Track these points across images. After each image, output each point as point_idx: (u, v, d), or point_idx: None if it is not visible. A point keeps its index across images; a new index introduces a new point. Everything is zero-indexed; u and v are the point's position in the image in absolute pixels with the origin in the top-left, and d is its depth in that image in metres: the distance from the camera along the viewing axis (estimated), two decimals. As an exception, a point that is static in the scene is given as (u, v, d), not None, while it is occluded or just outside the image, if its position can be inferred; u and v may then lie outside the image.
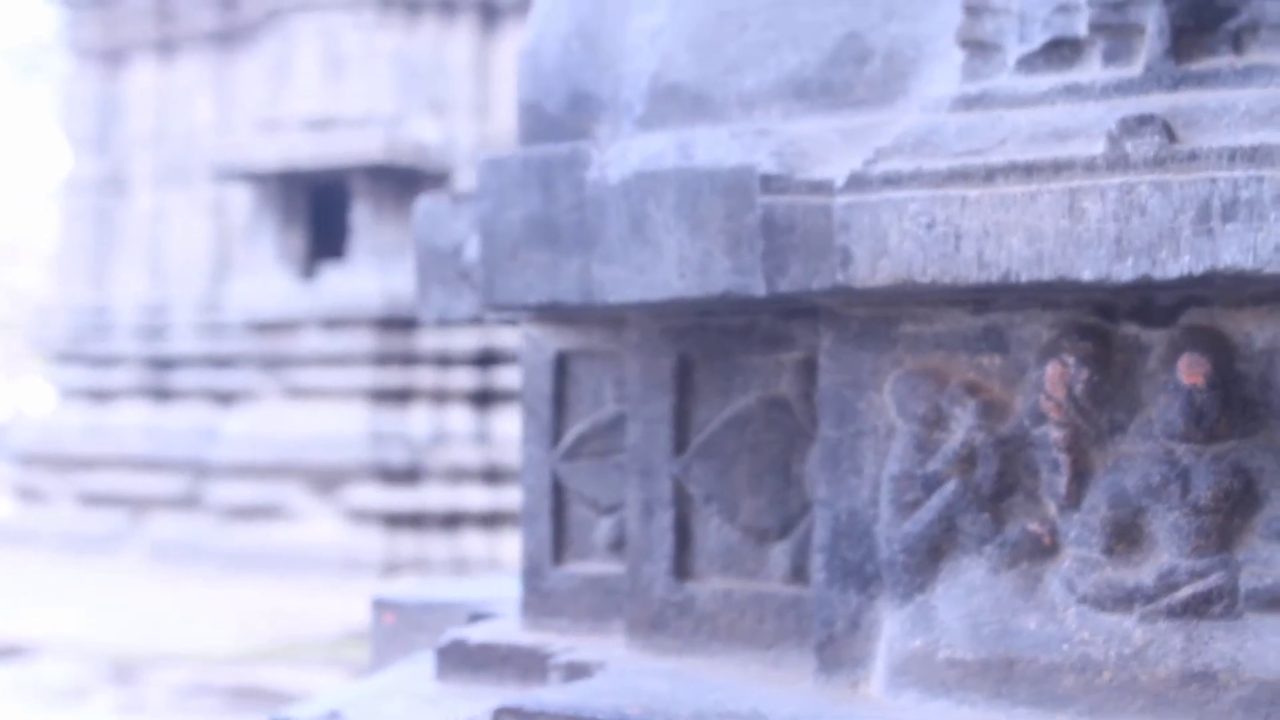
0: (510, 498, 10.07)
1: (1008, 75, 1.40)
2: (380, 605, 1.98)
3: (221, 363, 11.22)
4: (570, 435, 1.73)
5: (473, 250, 1.69)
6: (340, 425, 10.24)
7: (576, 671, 1.55)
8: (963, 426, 1.39)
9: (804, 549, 1.54)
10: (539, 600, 1.73)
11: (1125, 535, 1.33)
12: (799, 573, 1.55)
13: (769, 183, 1.40)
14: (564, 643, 1.65)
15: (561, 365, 1.74)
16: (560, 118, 1.66)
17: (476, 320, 1.84)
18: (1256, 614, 1.28)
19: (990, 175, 1.31)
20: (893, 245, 1.33)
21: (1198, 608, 1.30)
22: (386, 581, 9.43)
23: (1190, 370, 1.30)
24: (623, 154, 1.50)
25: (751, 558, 1.58)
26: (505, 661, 1.65)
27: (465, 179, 10.45)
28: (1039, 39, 1.38)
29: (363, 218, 10.51)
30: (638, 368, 1.61)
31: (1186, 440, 1.31)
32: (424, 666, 1.74)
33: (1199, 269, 1.23)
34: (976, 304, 1.39)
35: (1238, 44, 1.33)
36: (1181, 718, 1.28)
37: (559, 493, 1.74)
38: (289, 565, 9.98)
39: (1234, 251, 1.22)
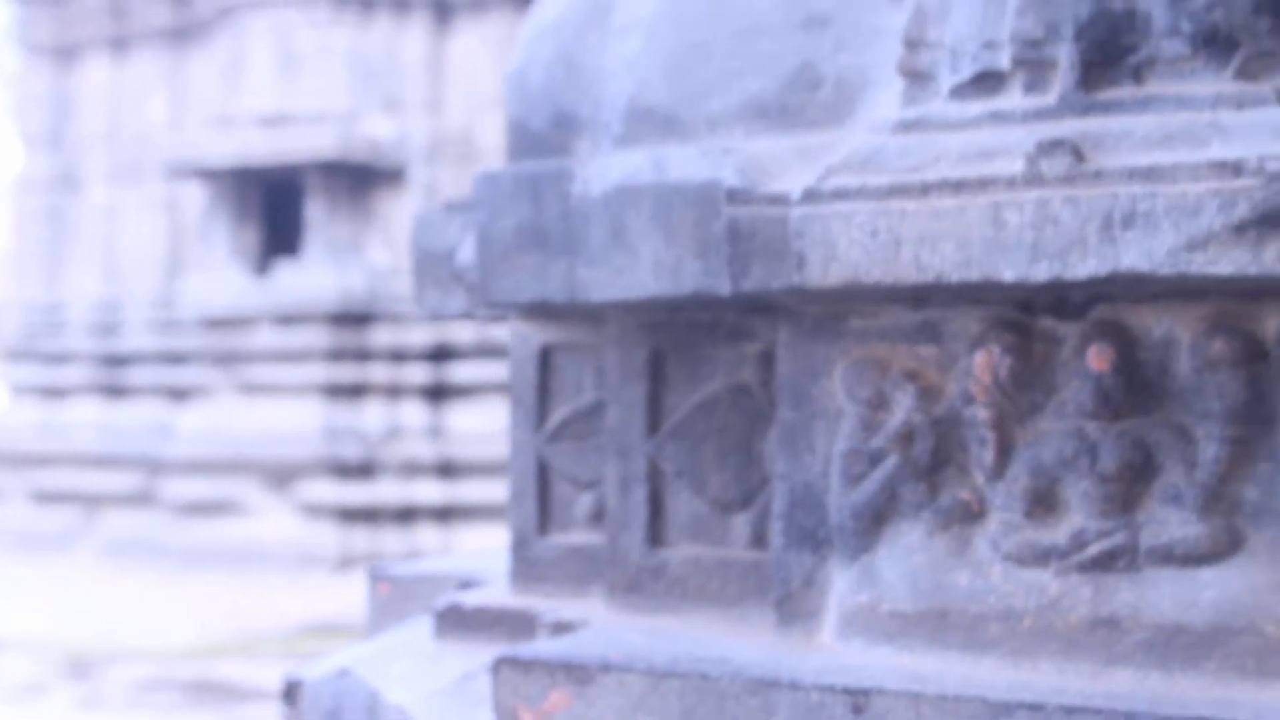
0: (464, 492, 10.09)
1: (941, 102, 1.50)
2: (376, 576, 2.08)
3: (175, 359, 11.13)
4: (554, 420, 1.84)
5: (465, 254, 1.83)
6: (294, 421, 10.20)
7: (563, 629, 1.66)
8: (902, 408, 1.49)
9: (764, 518, 1.65)
10: (526, 568, 1.83)
11: (1043, 501, 1.44)
12: (759, 539, 1.65)
13: (733, 195, 1.51)
14: (550, 605, 1.76)
15: (546, 357, 1.84)
16: (544, 135, 1.77)
17: (465, 316, 1.98)
18: (1154, 567, 1.39)
19: (925, 190, 1.42)
20: (841, 251, 1.44)
21: (1104, 563, 1.41)
22: (341, 576, 9.43)
23: (1098, 358, 1.41)
24: (604, 170, 1.61)
25: (718, 526, 1.68)
26: (497, 622, 1.76)
27: (419, 175, 10.47)
28: (968, 71, 1.48)
29: (317, 214, 10.46)
30: (616, 359, 1.72)
31: (1095, 419, 1.42)
32: (422, 629, 1.85)
33: (1103, 270, 1.34)
34: (914, 301, 1.49)
35: (1138, 77, 1.44)
36: (1091, 657, 1.40)
37: (543, 472, 1.84)
38: (244, 561, 9.93)
39: (1133, 256, 1.33)
